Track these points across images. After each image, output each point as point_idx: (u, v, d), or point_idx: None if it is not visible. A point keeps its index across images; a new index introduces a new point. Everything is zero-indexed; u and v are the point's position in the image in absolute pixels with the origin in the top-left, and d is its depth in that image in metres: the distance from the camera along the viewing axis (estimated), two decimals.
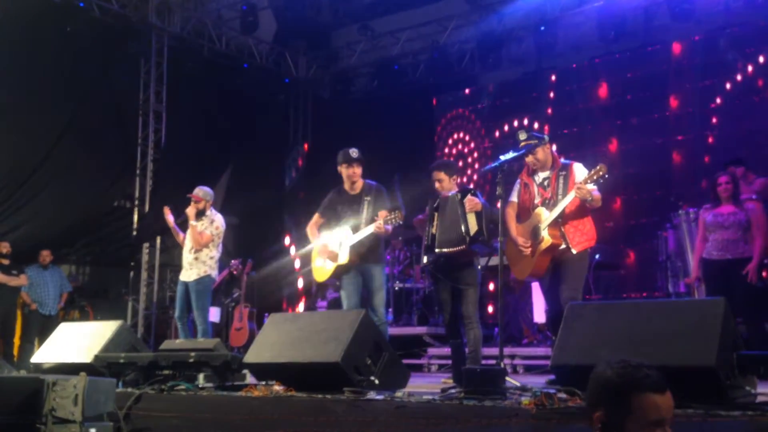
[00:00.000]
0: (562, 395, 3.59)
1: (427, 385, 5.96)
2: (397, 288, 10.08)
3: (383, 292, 5.98)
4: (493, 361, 5.80)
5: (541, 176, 5.39)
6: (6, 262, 9.70)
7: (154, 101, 11.82)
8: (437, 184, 5.80)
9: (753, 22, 10.12)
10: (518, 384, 4.57)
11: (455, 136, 12.82)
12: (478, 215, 5.49)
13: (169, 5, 11.84)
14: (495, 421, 3.41)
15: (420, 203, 6.23)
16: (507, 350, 7.46)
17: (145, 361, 5.33)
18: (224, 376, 5.10)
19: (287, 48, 13.59)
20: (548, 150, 5.39)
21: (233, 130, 12.58)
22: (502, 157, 5.29)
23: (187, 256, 7.26)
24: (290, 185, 14.13)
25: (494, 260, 5.81)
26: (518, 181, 5.54)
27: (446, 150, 12.82)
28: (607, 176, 4.95)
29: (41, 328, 9.71)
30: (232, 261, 10.42)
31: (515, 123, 11.79)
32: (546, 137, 5.43)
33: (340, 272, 6.01)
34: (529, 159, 5.35)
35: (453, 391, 4.33)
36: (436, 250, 5.62)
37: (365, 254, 5.91)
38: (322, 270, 6.16)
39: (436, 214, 5.74)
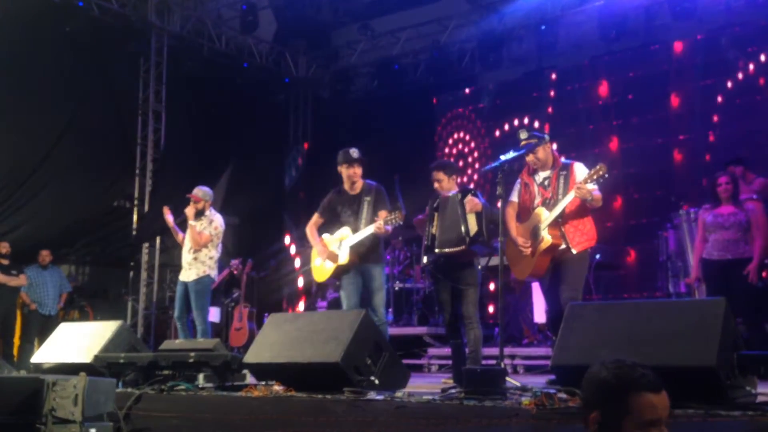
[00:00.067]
0: (563, 395, 3.59)
1: (427, 385, 5.96)
2: (397, 288, 10.07)
3: (383, 292, 5.98)
4: (494, 361, 5.79)
5: (541, 176, 5.38)
6: (5, 262, 9.70)
7: (154, 101, 11.81)
8: (436, 185, 5.79)
9: (754, 21, 10.11)
10: (518, 384, 4.57)
11: (455, 135, 12.81)
12: (478, 216, 5.49)
13: (168, 5, 11.83)
14: (495, 421, 3.40)
15: (420, 203, 6.22)
16: (507, 350, 7.45)
17: (145, 361, 5.34)
18: (224, 376, 5.10)
19: (287, 47, 13.58)
20: (549, 149, 5.38)
21: (233, 129, 12.56)
22: (503, 157, 5.28)
23: (186, 256, 7.26)
24: (290, 185, 14.12)
25: (494, 260, 5.81)
26: (518, 180, 5.53)
27: (446, 150, 12.81)
28: (606, 176, 4.94)
29: (41, 328, 9.71)
30: (233, 261, 10.42)
31: (516, 122, 11.78)
32: (546, 136, 5.43)
33: (339, 272, 6.00)
34: (530, 158, 5.35)
35: (453, 391, 4.33)
36: (436, 251, 5.62)
37: (365, 254, 5.91)
38: (322, 270, 6.16)
39: (436, 214, 5.73)
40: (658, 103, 10.66)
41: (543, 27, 11.52)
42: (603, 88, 11.25)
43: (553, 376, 4.21)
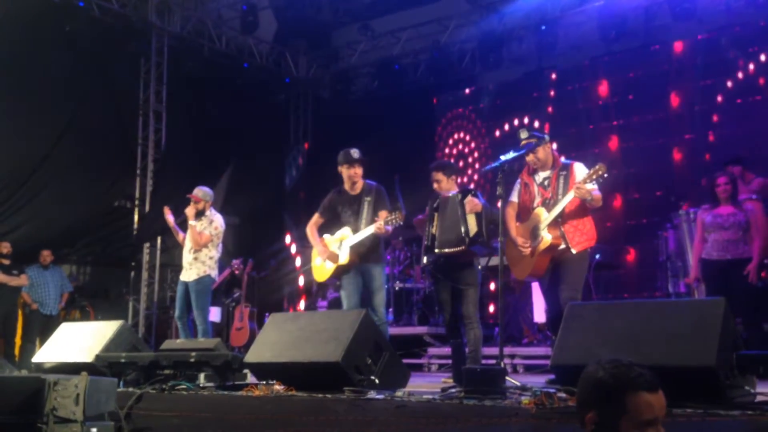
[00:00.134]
0: (562, 395, 3.59)
1: (427, 384, 5.96)
2: (397, 288, 10.08)
3: (383, 292, 5.99)
4: (493, 361, 5.80)
5: (541, 176, 5.39)
6: (7, 262, 9.71)
7: (154, 101, 11.82)
8: (435, 185, 5.81)
9: (754, 21, 10.12)
10: (518, 384, 4.59)
11: (456, 135, 12.82)
12: (478, 216, 5.50)
13: (168, 5, 11.83)
14: (495, 421, 3.41)
15: (420, 203, 6.23)
16: (507, 350, 7.46)
17: (146, 361, 5.34)
18: (225, 375, 5.11)
19: (287, 48, 13.58)
20: (549, 149, 5.39)
21: (233, 129, 12.56)
22: (503, 157, 5.29)
23: (186, 256, 7.27)
24: (290, 185, 14.13)
25: (494, 260, 5.83)
26: (518, 180, 5.54)
27: (447, 150, 12.82)
28: (606, 176, 4.96)
29: (42, 328, 9.73)
30: (233, 261, 10.43)
31: (516, 122, 11.78)
32: (546, 136, 5.44)
33: (340, 272, 6.02)
34: (530, 158, 5.36)
35: (453, 390, 4.34)
36: (436, 251, 5.63)
37: (365, 254, 5.92)
38: (322, 270, 6.17)
39: (436, 214, 5.74)
40: (658, 103, 10.67)
41: (543, 27, 11.52)
42: (603, 88, 11.26)
43: (552, 376, 4.23)
